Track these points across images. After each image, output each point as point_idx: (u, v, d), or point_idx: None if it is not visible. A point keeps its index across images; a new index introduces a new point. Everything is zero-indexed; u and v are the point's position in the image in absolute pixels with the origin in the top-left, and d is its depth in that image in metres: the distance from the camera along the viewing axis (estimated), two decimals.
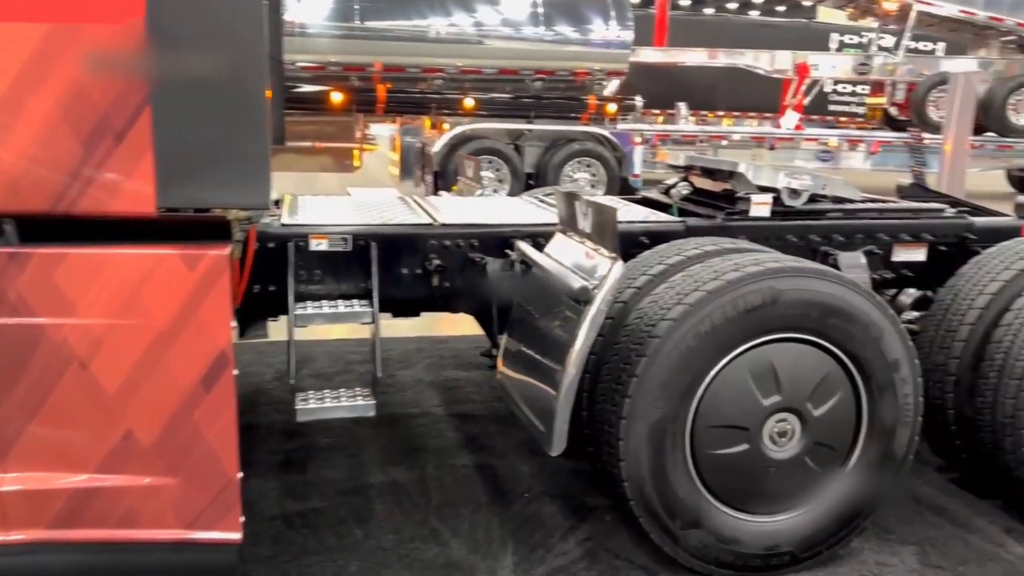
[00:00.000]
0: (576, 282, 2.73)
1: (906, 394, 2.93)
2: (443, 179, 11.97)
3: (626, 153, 12.18)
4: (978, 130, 14.28)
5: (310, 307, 3.27)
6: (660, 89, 16.38)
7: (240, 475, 2.44)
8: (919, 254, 3.85)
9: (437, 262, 3.42)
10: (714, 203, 3.91)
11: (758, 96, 18.77)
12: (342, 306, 3.28)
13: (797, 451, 2.89)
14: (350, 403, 3.14)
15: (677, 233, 3.59)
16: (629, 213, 3.90)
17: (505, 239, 3.51)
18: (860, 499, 2.98)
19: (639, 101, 12.20)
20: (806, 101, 16.91)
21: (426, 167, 12.48)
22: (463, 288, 3.50)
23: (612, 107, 12.16)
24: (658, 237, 3.55)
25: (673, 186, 4.35)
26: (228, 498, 2.42)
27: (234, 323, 2.52)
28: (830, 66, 16.94)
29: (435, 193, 12.05)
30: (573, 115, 12.17)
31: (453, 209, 3.99)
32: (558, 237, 3.26)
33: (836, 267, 3.65)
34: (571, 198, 3.09)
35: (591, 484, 3.53)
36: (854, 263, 3.69)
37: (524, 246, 3.36)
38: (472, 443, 4.07)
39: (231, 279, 2.44)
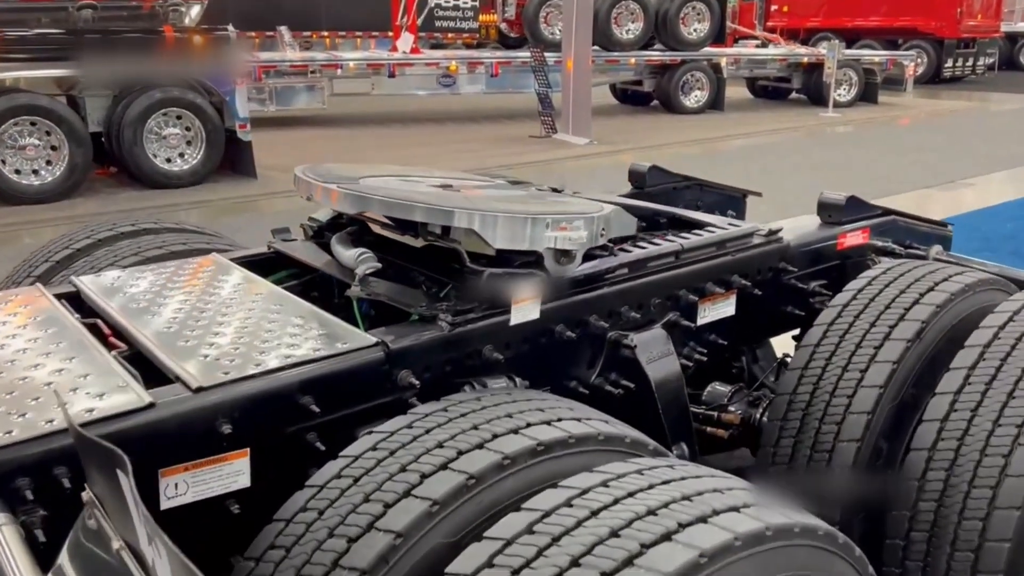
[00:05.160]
0: None
1: None
2: None
3: (225, 97, 9.69)
4: None
5: None
6: (253, 10, 13.84)
7: None
8: (728, 307, 2.50)
9: None
10: (418, 271, 2.16)
11: (364, 12, 17.08)
12: None
13: None
14: None
15: (372, 370, 1.78)
16: (268, 332, 1.97)
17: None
18: None
19: (232, 31, 9.67)
20: (419, 20, 15.55)
21: None
22: None
23: (198, 40, 9.52)
24: (338, 385, 1.73)
25: (332, 226, 2.49)
26: None
27: None
28: None
29: None
30: (146, 53, 9.30)
31: None
32: None
33: (635, 361, 2.16)
34: None
35: None
36: (659, 350, 2.21)
37: None
38: None
39: None
